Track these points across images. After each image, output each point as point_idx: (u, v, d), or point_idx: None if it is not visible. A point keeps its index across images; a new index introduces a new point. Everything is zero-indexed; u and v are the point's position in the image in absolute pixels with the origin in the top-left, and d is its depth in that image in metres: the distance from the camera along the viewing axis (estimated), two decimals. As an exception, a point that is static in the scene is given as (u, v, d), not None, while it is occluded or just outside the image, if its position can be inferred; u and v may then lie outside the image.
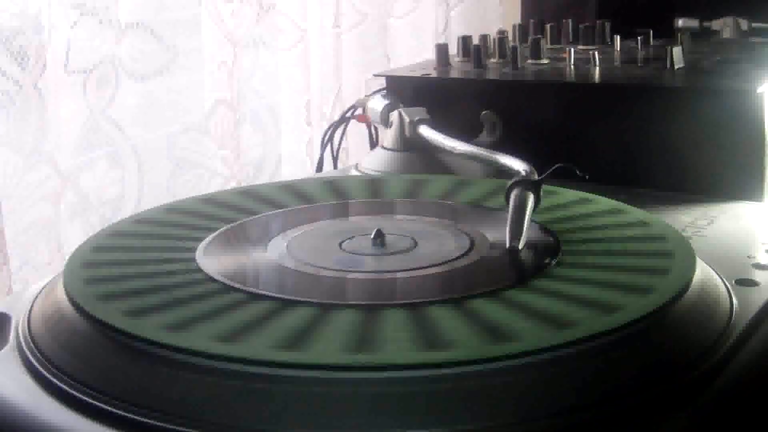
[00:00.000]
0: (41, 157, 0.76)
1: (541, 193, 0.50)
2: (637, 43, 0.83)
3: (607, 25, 0.90)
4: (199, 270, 0.44)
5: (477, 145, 0.63)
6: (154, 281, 0.43)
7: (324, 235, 0.49)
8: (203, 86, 0.91)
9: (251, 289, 0.41)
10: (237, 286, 0.42)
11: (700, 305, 0.40)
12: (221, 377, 0.34)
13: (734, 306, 0.42)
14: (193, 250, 0.47)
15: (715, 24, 0.96)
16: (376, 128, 0.81)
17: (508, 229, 0.46)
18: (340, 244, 0.48)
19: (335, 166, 0.83)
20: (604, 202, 0.53)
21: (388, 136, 0.69)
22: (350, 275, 0.44)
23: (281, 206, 0.54)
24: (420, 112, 0.68)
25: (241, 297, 0.41)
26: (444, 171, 0.65)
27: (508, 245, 0.45)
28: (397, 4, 1.18)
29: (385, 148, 0.69)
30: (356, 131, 0.94)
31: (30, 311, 0.43)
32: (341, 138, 0.84)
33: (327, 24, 1.06)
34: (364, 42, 1.12)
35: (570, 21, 0.92)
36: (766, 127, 0.61)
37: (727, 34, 0.94)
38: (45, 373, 0.37)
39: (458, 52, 0.84)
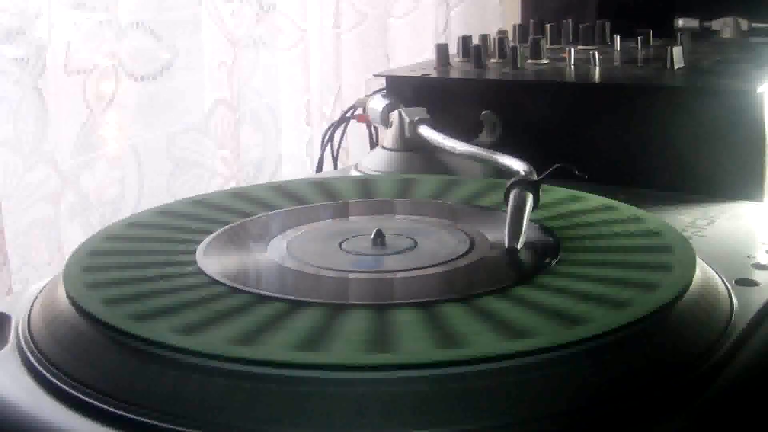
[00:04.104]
0: (41, 157, 0.76)
1: (541, 193, 0.50)
2: (637, 43, 0.84)
3: (607, 25, 0.90)
4: (200, 270, 0.44)
5: (477, 145, 0.63)
6: (153, 282, 0.43)
7: (323, 236, 0.49)
8: (203, 86, 0.91)
9: (254, 290, 0.41)
10: (238, 286, 0.42)
11: (700, 305, 0.40)
12: (222, 377, 0.34)
13: (734, 306, 0.42)
14: (194, 250, 0.47)
15: (715, 24, 0.96)
16: (376, 128, 0.81)
17: (506, 229, 0.46)
18: (340, 245, 0.48)
19: (335, 166, 0.83)
20: (597, 200, 0.53)
21: (388, 136, 0.69)
22: (353, 275, 0.44)
23: (276, 207, 0.54)
24: (420, 112, 0.68)
25: (244, 298, 0.41)
26: (444, 171, 0.65)
27: (506, 245, 0.45)
28: (397, 4, 1.18)
29: (385, 148, 0.69)
30: (356, 131, 0.94)
31: (30, 311, 0.43)
32: (341, 138, 0.84)
33: (327, 24, 1.06)
34: (364, 42, 1.12)
35: (570, 21, 0.92)
36: (766, 127, 0.61)
37: (727, 34, 0.95)
38: (45, 373, 0.37)
39: (458, 52, 0.84)
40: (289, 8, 1.01)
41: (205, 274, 0.43)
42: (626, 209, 0.52)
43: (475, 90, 0.75)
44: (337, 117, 0.92)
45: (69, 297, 0.41)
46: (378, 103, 0.72)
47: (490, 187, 0.56)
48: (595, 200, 0.54)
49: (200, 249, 0.47)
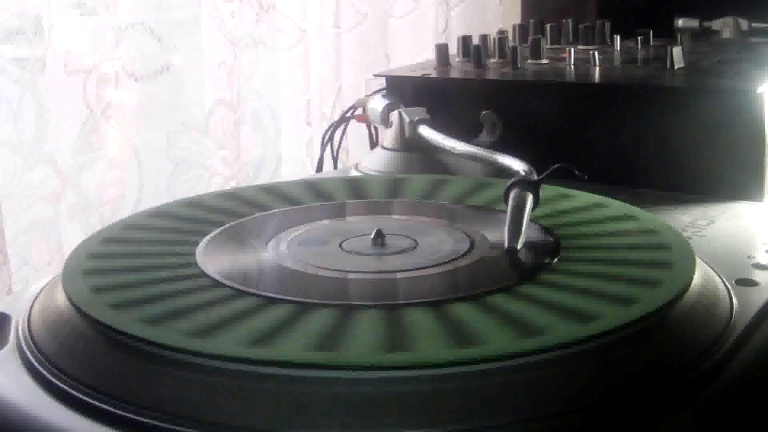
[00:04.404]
0: (41, 157, 0.76)
1: (540, 193, 0.50)
2: (637, 43, 0.84)
3: (607, 25, 0.90)
4: (199, 269, 0.44)
5: (477, 145, 0.63)
6: (153, 281, 0.43)
7: (323, 235, 0.49)
8: (203, 86, 0.91)
9: (252, 291, 0.41)
10: (238, 287, 0.42)
11: (700, 305, 0.40)
12: (222, 377, 0.34)
13: (734, 306, 0.42)
14: (193, 250, 0.47)
15: (715, 24, 0.96)
16: (376, 128, 0.81)
17: (506, 229, 0.46)
18: (341, 244, 0.48)
19: (335, 166, 0.83)
20: (606, 203, 0.53)
21: (388, 136, 0.69)
22: (352, 275, 0.44)
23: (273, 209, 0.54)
24: (420, 112, 0.68)
25: (244, 299, 0.41)
26: (444, 171, 0.65)
27: (506, 245, 0.45)
28: (397, 4, 1.18)
29: (385, 148, 0.69)
30: (356, 131, 0.94)
31: (30, 311, 0.43)
32: (341, 138, 0.84)
33: (327, 24, 1.06)
34: (364, 42, 1.12)
35: (570, 21, 0.92)
36: (766, 127, 0.61)
37: (727, 34, 0.95)
38: (45, 373, 0.37)
39: (458, 52, 0.84)
40: (289, 8, 1.01)
41: (205, 274, 0.43)
42: (625, 209, 0.52)
43: (475, 90, 0.75)
44: (337, 117, 0.92)
45: (68, 297, 0.41)
46: (378, 103, 0.72)
47: (479, 186, 0.56)
48: (595, 201, 0.54)
49: (200, 248, 0.47)
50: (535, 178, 0.51)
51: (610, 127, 0.67)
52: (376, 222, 0.50)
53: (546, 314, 0.38)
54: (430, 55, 0.85)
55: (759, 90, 0.61)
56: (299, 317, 0.38)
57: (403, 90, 0.75)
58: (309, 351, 0.35)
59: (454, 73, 0.78)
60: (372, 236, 0.47)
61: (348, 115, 0.81)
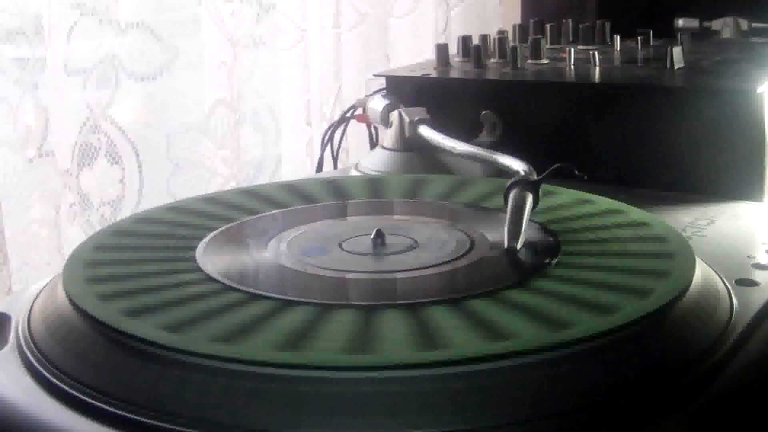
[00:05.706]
0: (41, 157, 0.76)
1: (540, 193, 0.50)
2: (637, 43, 0.84)
3: (607, 25, 0.90)
4: (199, 270, 0.44)
5: (477, 145, 0.63)
6: (153, 281, 0.43)
7: (323, 235, 0.49)
8: (203, 86, 0.91)
9: (251, 289, 0.41)
10: (236, 286, 0.42)
11: (700, 305, 0.40)
12: (221, 377, 0.34)
13: (734, 306, 0.42)
14: (193, 249, 0.47)
15: (715, 24, 0.96)
16: (376, 128, 0.81)
17: (506, 229, 0.46)
18: (340, 244, 0.48)
19: (335, 166, 0.83)
20: (603, 203, 0.53)
21: (388, 136, 0.69)
22: (350, 275, 0.44)
23: (281, 206, 0.54)
24: (420, 112, 0.68)
25: (241, 297, 0.41)
26: (444, 171, 0.65)
27: (506, 245, 0.45)
28: (397, 4, 1.18)
29: (385, 148, 0.69)
30: (356, 131, 0.94)
31: (30, 311, 0.43)
32: (341, 138, 0.84)
33: (327, 24, 1.06)
34: (364, 42, 1.12)
35: (570, 21, 0.92)
36: (766, 127, 0.61)
37: (727, 34, 0.95)
38: (45, 373, 0.37)
39: (458, 52, 0.84)
40: (289, 8, 1.01)
41: (204, 273, 0.43)
42: (626, 209, 0.52)
43: (475, 90, 0.75)
44: (337, 117, 0.92)
45: (68, 297, 0.41)
46: (378, 103, 0.72)
47: (499, 189, 0.56)
48: (595, 200, 0.54)
49: (200, 248, 0.47)
50: (535, 178, 0.51)
51: (609, 127, 0.67)
52: (379, 222, 0.50)
53: (545, 314, 0.38)
54: (430, 55, 0.85)
55: (759, 90, 0.61)
56: (284, 314, 0.38)
57: (403, 90, 0.75)
58: (298, 351, 0.35)
59: (454, 73, 0.78)
60: (372, 236, 0.47)
61: (348, 115, 0.81)
